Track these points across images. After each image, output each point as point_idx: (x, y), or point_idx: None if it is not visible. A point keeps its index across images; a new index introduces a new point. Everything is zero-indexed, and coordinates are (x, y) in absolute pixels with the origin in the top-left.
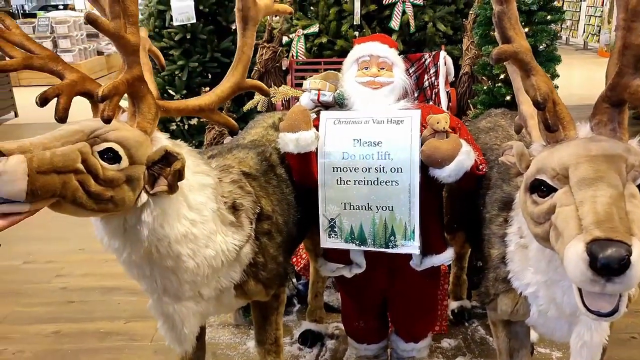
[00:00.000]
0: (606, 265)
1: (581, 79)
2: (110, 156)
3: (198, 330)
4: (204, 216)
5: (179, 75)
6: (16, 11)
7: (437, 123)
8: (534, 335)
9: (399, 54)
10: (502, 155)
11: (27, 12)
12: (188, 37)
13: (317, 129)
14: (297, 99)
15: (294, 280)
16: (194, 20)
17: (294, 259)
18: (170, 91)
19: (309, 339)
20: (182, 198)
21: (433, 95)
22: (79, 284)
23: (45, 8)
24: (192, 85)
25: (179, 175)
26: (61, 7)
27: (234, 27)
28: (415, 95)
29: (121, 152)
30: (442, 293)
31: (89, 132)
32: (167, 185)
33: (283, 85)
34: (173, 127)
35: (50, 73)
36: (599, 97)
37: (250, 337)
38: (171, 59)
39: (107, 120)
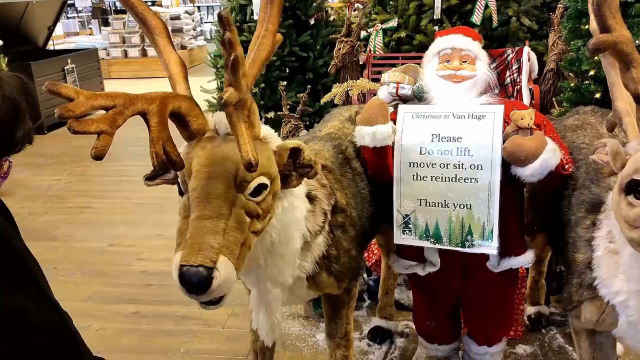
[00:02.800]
0: None
1: None
2: (259, 190)
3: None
4: (301, 199)
5: None
6: (108, 8)
7: (522, 119)
8: (619, 347)
9: None
10: (594, 154)
11: (118, 8)
12: None
13: (395, 123)
14: (374, 93)
15: (365, 275)
16: None
17: (366, 254)
18: None
19: (379, 336)
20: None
21: (515, 93)
22: (158, 268)
23: None
24: (270, 79)
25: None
26: (149, 3)
27: (312, 22)
28: (496, 92)
29: (265, 180)
30: (518, 297)
31: (234, 183)
32: (299, 178)
33: (361, 79)
34: None
35: (138, 114)
36: None
37: (320, 329)
38: None
39: (254, 169)
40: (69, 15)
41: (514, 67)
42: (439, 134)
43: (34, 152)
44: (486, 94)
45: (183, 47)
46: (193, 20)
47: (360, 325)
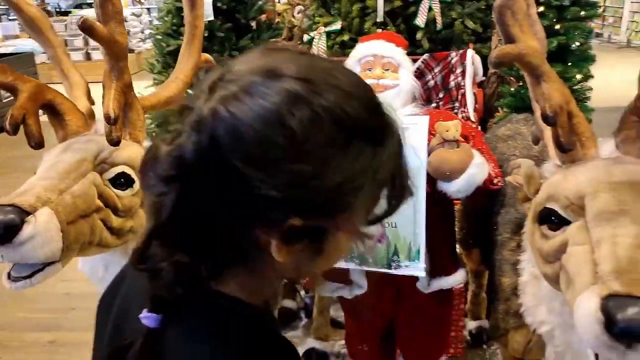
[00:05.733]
0: (627, 330)
1: (623, 79)
2: (122, 182)
3: None
4: None
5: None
6: (53, 10)
7: (447, 131)
8: None
9: (425, 53)
10: (510, 174)
11: (62, 10)
12: (206, 34)
13: None
14: None
15: (302, 293)
16: (212, 18)
17: None
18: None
19: (313, 358)
20: None
21: (459, 96)
22: (83, 290)
23: (80, 6)
24: None
25: None
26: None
27: (254, 25)
28: (441, 96)
29: (132, 174)
30: (457, 313)
31: (92, 159)
32: None
33: None
34: None
35: (5, 87)
36: (626, 108)
37: None
38: None
39: (117, 143)
40: (10, 18)
41: (458, 71)
42: None
43: None
44: (411, 104)
45: (131, 51)
46: (141, 23)
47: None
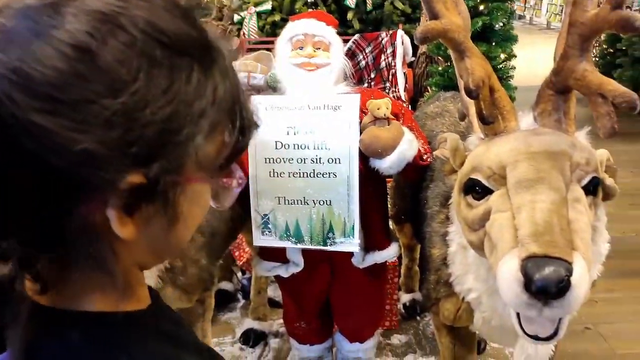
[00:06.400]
0: (543, 288)
1: (544, 59)
2: None
3: None
4: None
5: None
6: None
7: (378, 109)
8: None
9: (356, 33)
10: (438, 149)
11: None
12: None
13: None
14: None
15: (239, 274)
16: None
17: (237, 253)
18: None
19: (252, 338)
20: None
21: (390, 76)
22: None
23: None
24: None
25: None
26: None
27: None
28: (372, 76)
29: None
30: (392, 287)
31: None
32: None
33: None
34: None
35: None
36: (543, 82)
37: None
38: None
39: None
40: None
41: (388, 51)
42: (295, 127)
43: None
44: (343, 83)
45: None
46: None
47: (233, 328)
